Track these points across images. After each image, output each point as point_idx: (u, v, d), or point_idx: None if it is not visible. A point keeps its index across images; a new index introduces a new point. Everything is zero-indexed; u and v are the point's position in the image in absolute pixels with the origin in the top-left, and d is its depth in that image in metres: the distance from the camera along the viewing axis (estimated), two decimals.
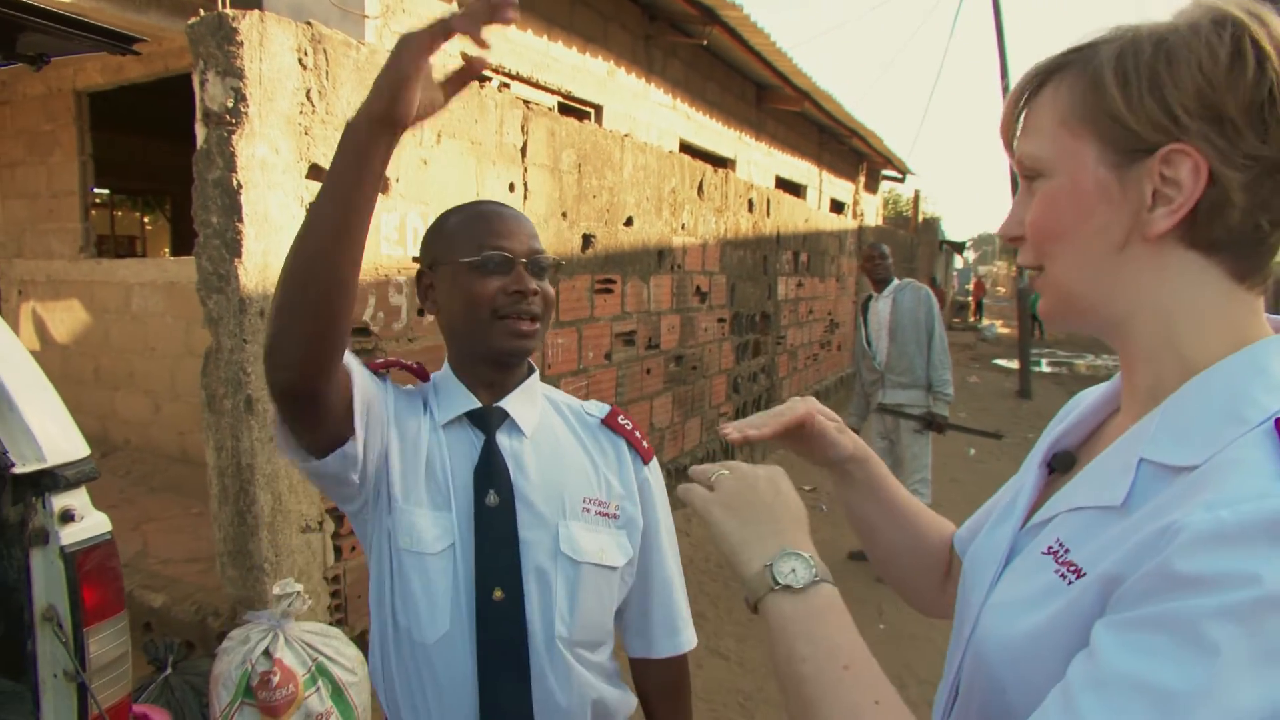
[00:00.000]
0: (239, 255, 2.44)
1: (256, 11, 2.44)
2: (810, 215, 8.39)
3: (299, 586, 2.28)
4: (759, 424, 0.87)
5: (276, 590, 2.28)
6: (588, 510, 1.12)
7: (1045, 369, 14.99)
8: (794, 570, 0.66)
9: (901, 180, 17.54)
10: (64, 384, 1.78)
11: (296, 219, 2.59)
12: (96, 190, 6.79)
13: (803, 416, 0.89)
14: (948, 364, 4.54)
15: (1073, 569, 0.60)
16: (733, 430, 0.84)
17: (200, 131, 2.46)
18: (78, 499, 1.62)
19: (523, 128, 3.66)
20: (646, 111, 7.00)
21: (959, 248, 26.79)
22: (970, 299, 27.29)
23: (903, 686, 3.32)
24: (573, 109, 5.99)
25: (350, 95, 2.74)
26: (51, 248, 5.87)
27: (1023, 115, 0.69)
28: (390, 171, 2.92)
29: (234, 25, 2.36)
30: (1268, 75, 0.57)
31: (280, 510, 2.62)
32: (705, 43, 7.22)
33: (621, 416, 1.23)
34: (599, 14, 6.23)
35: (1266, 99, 0.57)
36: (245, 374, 2.50)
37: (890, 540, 0.96)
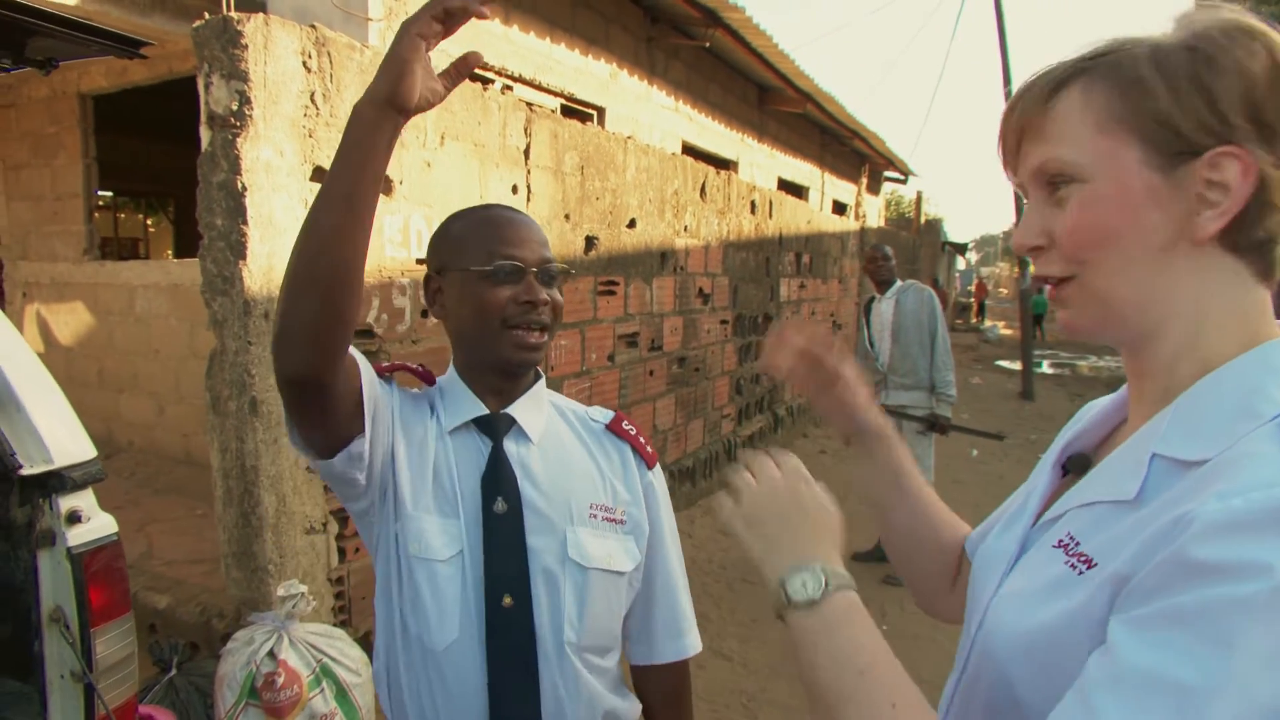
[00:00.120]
0: (243, 257, 2.45)
1: (261, 15, 2.45)
2: (812, 217, 8.39)
3: (303, 588, 2.29)
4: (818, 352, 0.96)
5: (281, 592, 2.28)
6: (595, 516, 1.12)
7: (1048, 370, 14.98)
8: (804, 584, 0.66)
9: (904, 182, 17.53)
10: (68, 386, 1.78)
11: (301, 221, 2.60)
12: (100, 193, 6.80)
13: (839, 364, 0.96)
14: (950, 365, 4.54)
15: (1084, 559, 0.61)
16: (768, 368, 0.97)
17: (205, 134, 2.46)
18: (84, 500, 1.63)
19: (526, 130, 3.67)
20: (649, 113, 7.01)
21: (961, 249, 26.79)
22: (972, 300, 27.28)
23: None
24: (575, 111, 6.00)
25: (354, 98, 2.73)
26: (56, 250, 5.89)
27: (1036, 123, 0.68)
28: (393, 173, 2.94)
29: (239, 28, 2.37)
30: None
31: (285, 512, 2.63)
32: (707, 45, 7.23)
33: (626, 422, 1.23)
34: (601, 16, 6.24)
35: None
36: (250, 376, 2.51)
37: (904, 526, 0.98)
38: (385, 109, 0.86)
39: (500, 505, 1.07)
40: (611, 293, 4.51)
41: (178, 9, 4.40)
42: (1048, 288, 0.69)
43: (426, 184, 3.11)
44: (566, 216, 4.03)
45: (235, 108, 2.40)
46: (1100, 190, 0.64)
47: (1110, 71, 0.63)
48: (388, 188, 2.92)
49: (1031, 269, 0.78)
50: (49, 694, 1.60)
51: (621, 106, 6.56)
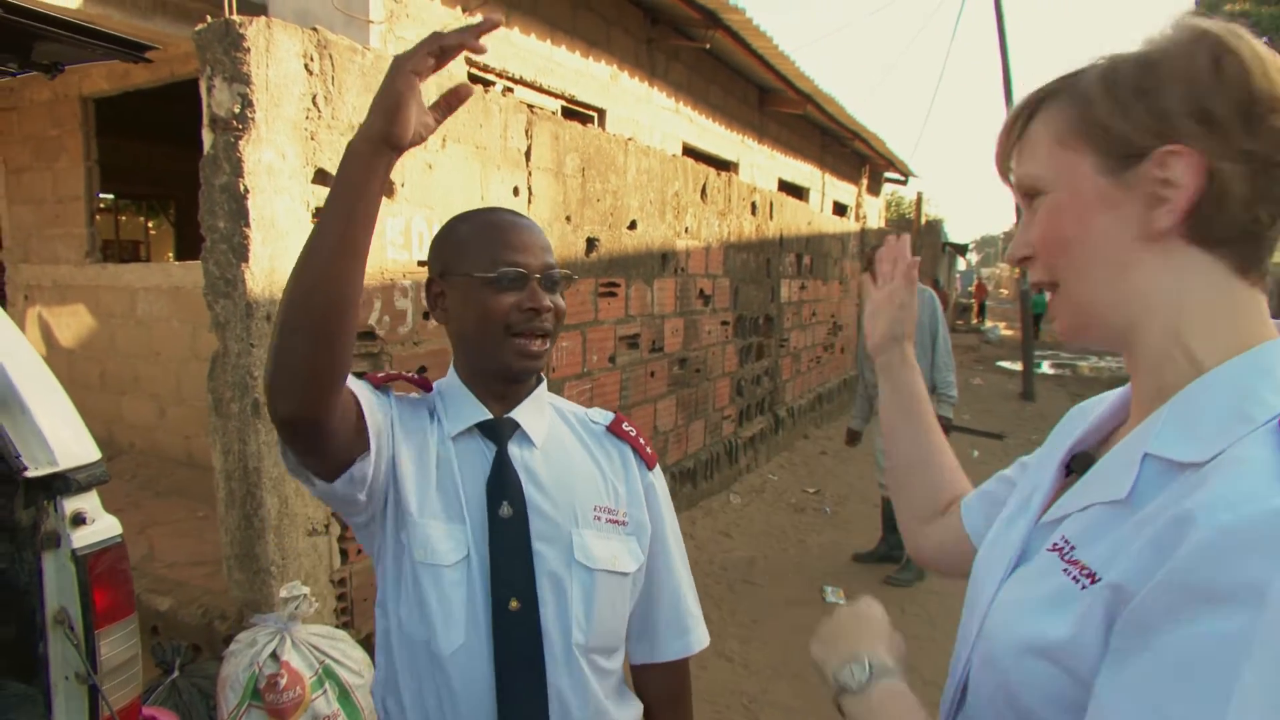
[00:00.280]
0: (246, 260, 2.45)
1: (263, 18, 2.46)
2: (813, 218, 8.40)
3: (306, 589, 2.29)
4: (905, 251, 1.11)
5: (283, 593, 2.29)
6: (599, 518, 1.12)
7: (1048, 371, 14.98)
8: (852, 673, 0.75)
9: (904, 183, 17.53)
10: (70, 389, 1.79)
11: (303, 223, 2.61)
12: (101, 195, 6.81)
13: (916, 261, 1.11)
14: (951, 366, 4.54)
15: (1085, 572, 0.61)
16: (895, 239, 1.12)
17: (207, 137, 2.47)
18: (89, 502, 1.64)
19: (527, 132, 3.68)
20: (649, 115, 7.02)
21: (962, 250, 26.78)
22: (973, 301, 27.28)
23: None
24: (576, 113, 6.01)
25: (355, 100, 2.75)
26: (57, 253, 5.90)
27: (1017, 145, 0.73)
28: (395, 176, 2.94)
29: (241, 32, 2.38)
30: (1249, 79, 0.61)
31: (287, 513, 2.63)
32: (708, 46, 7.23)
33: (626, 423, 1.24)
34: (602, 18, 6.25)
35: (1251, 99, 0.61)
36: (252, 378, 2.52)
37: (905, 453, 1.06)
38: (380, 147, 0.86)
39: (505, 510, 1.07)
40: (612, 294, 4.52)
41: (179, 12, 4.41)
42: (1047, 294, 0.74)
43: (428, 186, 3.11)
44: (568, 218, 4.04)
45: (237, 110, 2.41)
46: (1059, 200, 0.69)
47: (1069, 90, 0.69)
48: (389, 190, 2.92)
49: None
50: (54, 695, 1.60)
51: (622, 108, 6.57)
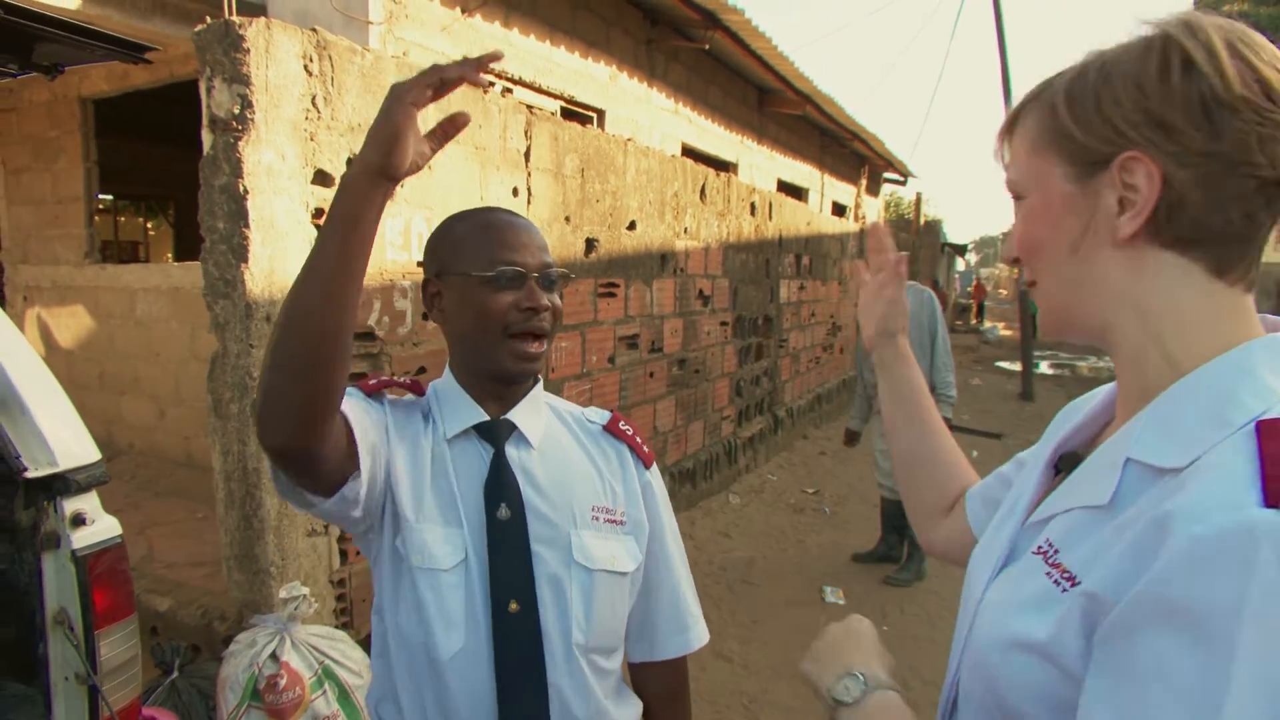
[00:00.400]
0: (245, 260, 2.46)
1: (263, 18, 2.46)
2: (812, 218, 8.40)
3: (305, 590, 2.30)
4: (889, 242, 1.09)
5: (283, 594, 2.29)
6: (597, 518, 1.12)
7: (1047, 371, 14.99)
8: (847, 687, 0.75)
9: (903, 183, 17.53)
10: (69, 389, 1.79)
11: (302, 224, 2.61)
12: (101, 196, 6.82)
13: (902, 258, 1.08)
14: (950, 366, 4.55)
15: (1066, 575, 0.62)
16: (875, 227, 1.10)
17: (207, 138, 2.47)
18: (89, 503, 1.64)
19: (526, 133, 3.68)
20: (649, 116, 7.02)
21: (961, 250, 26.80)
22: (972, 301, 27.28)
23: (907, 688, 3.30)
24: (575, 114, 6.01)
25: (355, 101, 2.76)
26: (56, 253, 5.90)
27: (1008, 148, 0.76)
28: None
29: (241, 32, 2.38)
30: (1199, 79, 0.60)
31: (286, 514, 2.63)
32: (707, 47, 7.23)
33: (622, 422, 1.24)
34: (601, 19, 6.25)
35: (1206, 99, 0.60)
36: (252, 378, 2.52)
37: (907, 449, 1.06)
38: (378, 179, 0.85)
39: (504, 511, 1.07)
40: (612, 295, 4.52)
41: (178, 13, 4.41)
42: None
43: (428, 187, 3.12)
44: (567, 219, 4.04)
45: (237, 111, 2.41)
46: (1032, 204, 0.71)
47: (1041, 98, 0.71)
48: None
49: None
50: (53, 696, 1.60)
51: (621, 109, 6.58)
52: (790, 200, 7.65)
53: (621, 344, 4.66)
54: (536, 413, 1.16)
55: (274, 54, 2.47)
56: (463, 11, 4.86)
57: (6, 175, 6.22)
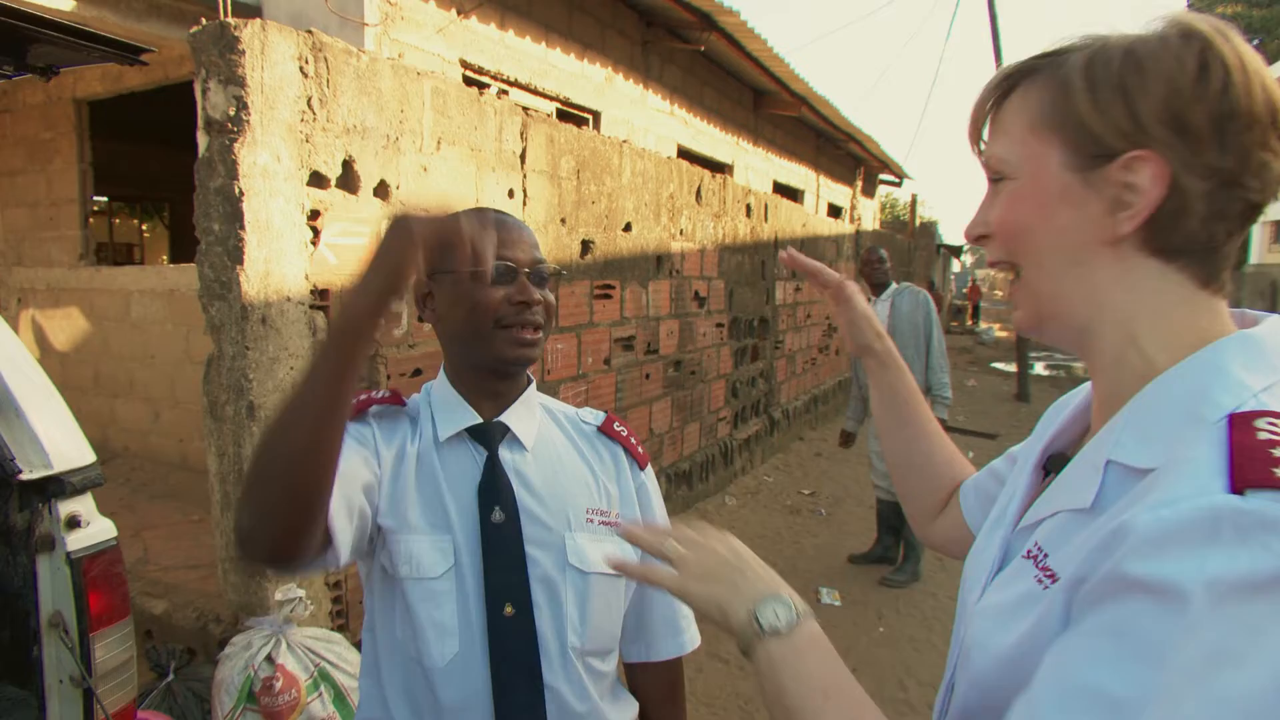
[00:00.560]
0: (241, 262, 2.45)
1: (258, 20, 2.46)
2: (808, 220, 8.41)
3: (301, 592, 2.29)
4: (814, 266, 1.03)
5: (279, 596, 2.29)
6: (591, 520, 1.12)
7: (1042, 372, 15.02)
8: (776, 613, 0.67)
9: (899, 184, 17.58)
10: (64, 392, 1.78)
11: (298, 226, 2.61)
12: (95, 198, 6.80)
13: (840, 281, 1.04)
14: (946, 367, 4.56)
15: (1049, 574, 0.62)
16: (787, 254, 1.04)
17: (202, 139, 2.47)
18: (84, 505, 1.63)
19: (522, 134, 3.68)
20: (644, 117, 7.03)
21: (956, 251, 26.80)
22: (967, 303, 27.32)
23: (903, 689, 3.33)
24: (571, 115, 6.01)
25: (350, 103, 2.75)
26: (51, 255, 5.89)
27: (990, 117, 0.71)
28: (390, 178, 2.94)
29: (236, 34, 2.38)
30: (1231, 90, 0.59)
31: None
32: (702, 49, 7.25)
33: (617, 423, 1.24)
34: (597, 21, 6.26)
35: (1228, 113, 0.59)
36: (247, 380, 2.51)
37: (900, 450, 1.05)
38: (380, 305, 0.81)
39: (498, 515, 1.06)
40: (608, 296, 4.52)
41: (173, 15, 4.41)
42: (1009, 279, 0.72)
43: (424, 189, 3.11)
44: (562, 220, 4.04)
45: (232, 113, 2.41)
46: (1023, 188, 0.67)
47: (1050, 73, 0.66)
48: (385, 192, 2.93)
49: None
50: (48, 699, 1.60)
51: (617, 110, 6.58)
52: (786, 202, 7.66)
53: (617, 346, 4.66)
54: (530, 415, 1.16)
55: (269, 56, 2.47)
56: (458, 13, 4.86)
57: (1, 177, 6.20)
